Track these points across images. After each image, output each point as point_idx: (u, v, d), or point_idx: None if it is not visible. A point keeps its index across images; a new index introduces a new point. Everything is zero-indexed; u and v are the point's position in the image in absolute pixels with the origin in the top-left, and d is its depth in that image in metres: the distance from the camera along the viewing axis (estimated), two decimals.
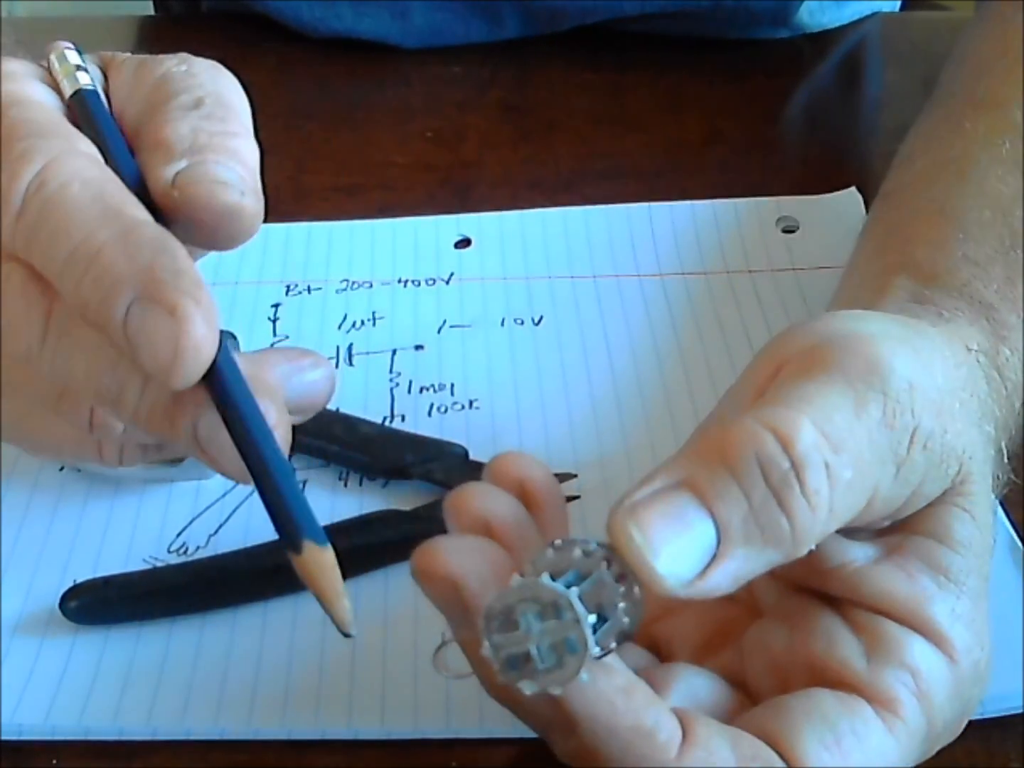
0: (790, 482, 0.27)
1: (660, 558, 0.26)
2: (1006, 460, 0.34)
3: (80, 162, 0.29)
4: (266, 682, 0.37)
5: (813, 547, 0.28)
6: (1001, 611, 0.36)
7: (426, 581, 0.28)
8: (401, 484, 0.43)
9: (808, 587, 0.31)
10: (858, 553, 0.30)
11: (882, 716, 0.28)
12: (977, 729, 0.34)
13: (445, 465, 0.42)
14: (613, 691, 0.27)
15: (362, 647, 0.38)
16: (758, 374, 0.31)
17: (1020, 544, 0.39)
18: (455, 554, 0.28)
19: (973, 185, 0.40)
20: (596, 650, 0.26)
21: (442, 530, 0.39)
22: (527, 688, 0.26)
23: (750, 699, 0.31)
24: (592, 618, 0.26)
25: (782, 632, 0.31)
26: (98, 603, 0.38)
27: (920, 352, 0.31)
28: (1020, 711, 0.35)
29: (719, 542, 0.27)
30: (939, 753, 0.33)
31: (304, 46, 0.68)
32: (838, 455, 0.27)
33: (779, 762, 0.27)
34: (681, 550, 0.26)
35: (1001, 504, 0.39)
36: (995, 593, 0.37)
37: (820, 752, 0.28)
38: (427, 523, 0.40)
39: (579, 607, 0.26)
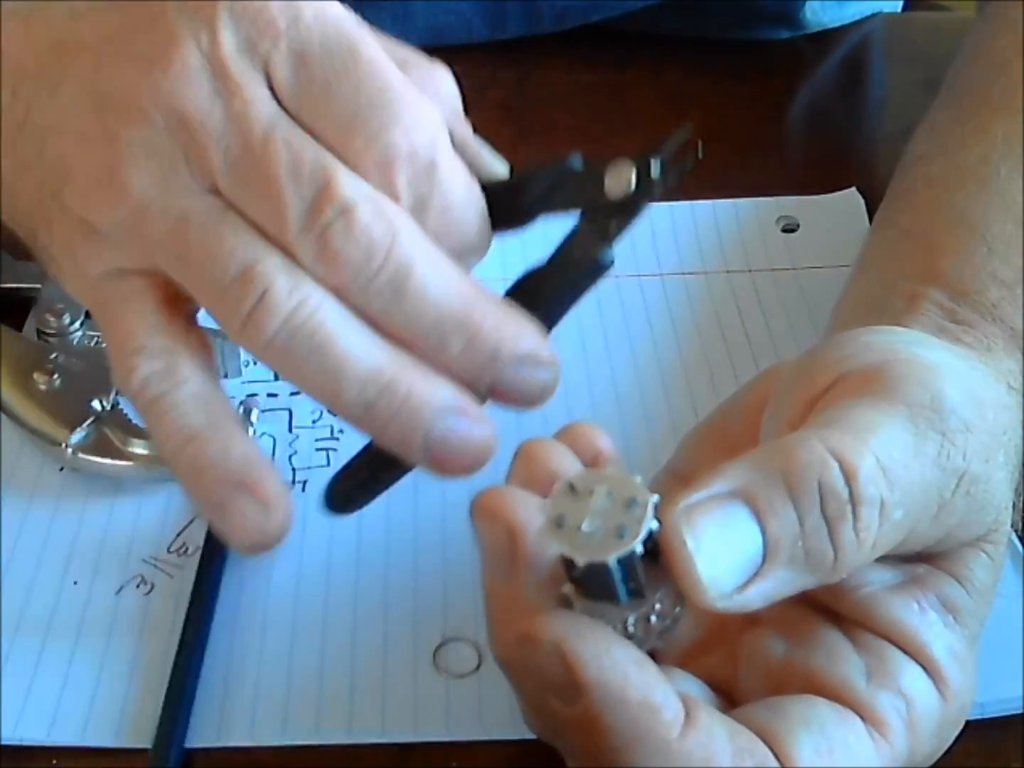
0: (845, 515, 0.27)
1: (708, 569, 0.26)
2: (1019, 505, 0.34)
3: None
4: (267, 689, 0.37)
5: (846, 576, 0.28)
6: (1001, 611, 0.36)
7: (486, 520, 0.29)
8: (402, 482, 0.43)
9: (814, 601, 0.31)
10: (875, 577, 0.30)
11: (872, 736, 0.29)
12: (977, 729, 0.34)
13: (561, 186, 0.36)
14: (627, 662, 0.27)
15: (362, 650, 0.38)
16: (812, 383, 0.31)
17: (1020, 545, 0.39)
18: (521, 505, 0.29)
19: (995, 195, 0.40)
20: (640, 548, 0.26)
21: None
22: (556, 546, 0.26)
23: (736, 706, 0.31)
24: (655, 525, 0.26)
25: (780, 643, 0.31)
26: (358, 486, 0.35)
27: (975, 391, 0.31)
28: (1020, 711, 0.35)
29: (764, 560, 0.27)
30: None
31: None
32: (893, 493, 0.27)
33: (773, 760, 0.27)
34: (728, 564, 0.27)
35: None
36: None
37: (813, 758, 0.28)
38: None
39: (651, 509, 0.26)
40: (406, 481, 0.43)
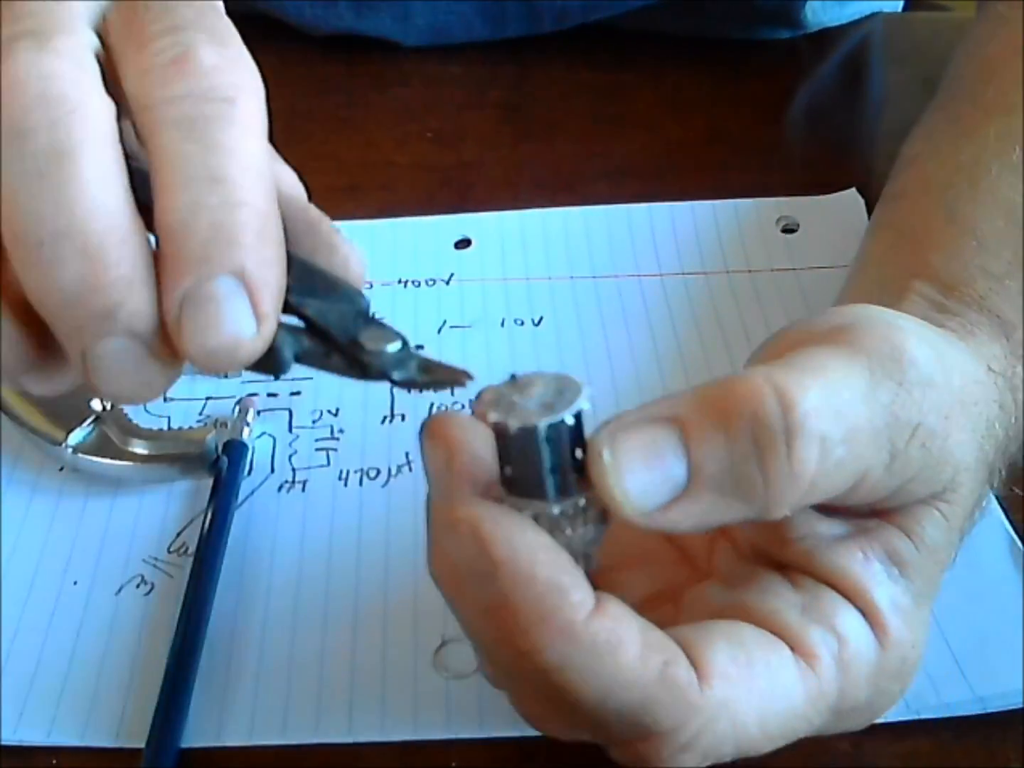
0: (776, 445, 0.27)
1: (624, 483, 0.27)
2: (995, 486, 0.34)
3: None
4: (266, 689, 0.37)
5: (788, 513, 0.28)
6: (1001, 611, 0.36)
7: (429, 440, 0.30)
8: (402, 482, 0.43)
9: (764, 553, 0.31)
10: (824, 529, 0.30)
11: (798, 664, 0.29)
12: (977, 729, 0.34)
13: (332, 308, 0.29)
14: (538, 545, 0.27)
15: (362, 650, 0.38)
16: (779, 345, 0.31)
17: (1020, 544, 0.39)
18: (463, 428, 0.29)
19: (986, 193, 0.40)
20: (570, 420, 0.27)
21: None
22: (492, 415, 0.27)
23: None
24: (586, 405, 0.27)
25: (723, 591, 0.31)
26: None
27: (944, 357, 0.31)
28: (1020, 706, 0.35)
29: (689, 482, 0.27)
30: (939, 753, 0.33)
31: (304, 46, 0.68)
32: (835, 430, 0.27)
33: (683, 658, 0.28)
34: (648, 481, 0.27)
35: (1001, 506, 0.39)
36: (995, 593, 0.37)
37: (727, 664, 0.28)
38: None
39: (584, 392, 0.27)
40: (406, 482, 0.43)
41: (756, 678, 0.28)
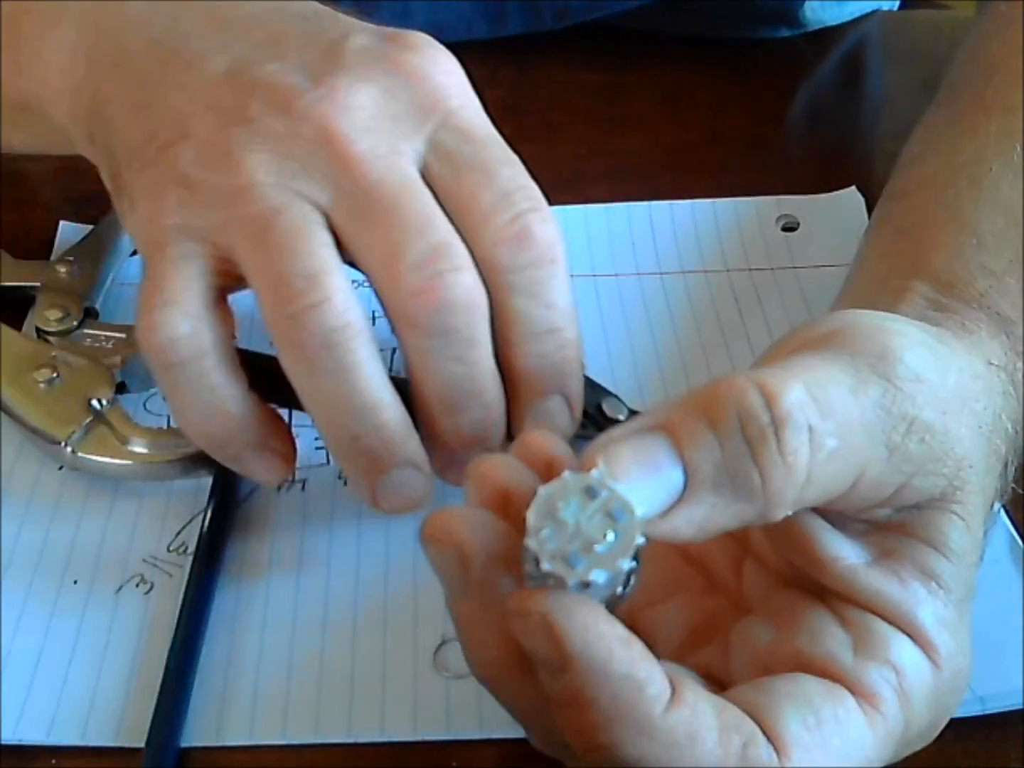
0: (766, 437, 0.27)
1: (626, 494, 0.26)
2: (1010, 477, 0.34)
3: None
4: (266, 688, 0.37)
5: (790, 511, 0.28)
6: (1001, 611, 0.37)
7: (434, 545, 0.29)
8: None
9: (800, 580, 0.31)
10: (852, 551, 0.30)
11: (863, 708, 0.28)
12: (977, 729, 0.34)
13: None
14: (612, 637, 0.27)
15: (362, 650, 0.38)
16: (769, 357, 0.31)
17: (1020, 544, 0.39)
18: (467, 525, 0.29)
19: (986, 191, 0.40)
20: (643, 511, 0.26)
21: None
22: (600, 575, 0.26)
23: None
24: (623, 487, 0.26)
25: (768, 628, 0.31)
26: None
27: (938, 355, 0.31)
28: (1021, 706, 0.35)
29: (687, 486, 0.27)
30: (939, 753, 0.33)
31: None
32: (824, 422, 0.27)
33: (760, 736, 0.27)
34: (647, 490, 0.27)
35: (1001, 504, 0.39)
36: (995, 593, 0.37)
37: (801, 732, 0.28)
38: None
39: (612, 482, 0.26)
40: None
41: (829, 738, 0.28)
